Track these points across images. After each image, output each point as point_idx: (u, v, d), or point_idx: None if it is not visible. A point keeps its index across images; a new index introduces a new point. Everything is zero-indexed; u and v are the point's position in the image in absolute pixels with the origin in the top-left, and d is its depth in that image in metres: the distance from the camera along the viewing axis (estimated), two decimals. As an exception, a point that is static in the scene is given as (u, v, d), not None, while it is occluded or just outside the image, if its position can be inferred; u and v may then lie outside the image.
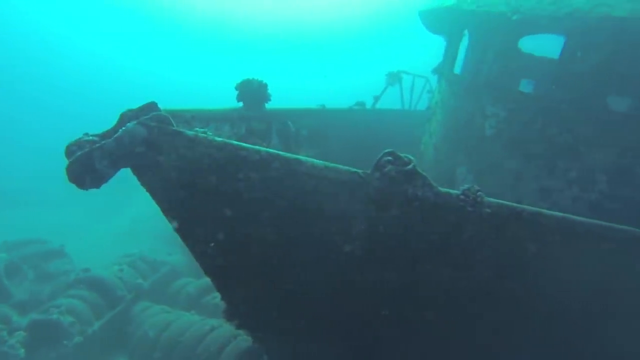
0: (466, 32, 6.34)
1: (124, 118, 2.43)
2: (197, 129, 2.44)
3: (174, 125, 2.50)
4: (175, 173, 2.58)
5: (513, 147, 5.53)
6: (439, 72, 6.96)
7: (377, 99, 8.01)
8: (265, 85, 4.72)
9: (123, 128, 2.27)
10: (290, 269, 3.02)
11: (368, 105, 7.80)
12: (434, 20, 6.65)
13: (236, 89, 4.66)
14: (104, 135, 2.39)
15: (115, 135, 2.24)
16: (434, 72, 7.12)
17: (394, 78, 8.36)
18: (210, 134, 2.48)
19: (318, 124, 6.12)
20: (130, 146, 2.25)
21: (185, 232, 2.95)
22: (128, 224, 13.57)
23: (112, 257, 8.50)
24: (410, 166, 2.36)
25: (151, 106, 2.53)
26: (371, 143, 7.37)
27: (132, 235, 12.50)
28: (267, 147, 2.66)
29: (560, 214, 2.92)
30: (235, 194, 2.66)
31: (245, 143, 2.59)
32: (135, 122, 2.33)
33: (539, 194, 5.44)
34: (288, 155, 2.49)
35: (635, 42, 4.36)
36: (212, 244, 2.96)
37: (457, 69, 6.45)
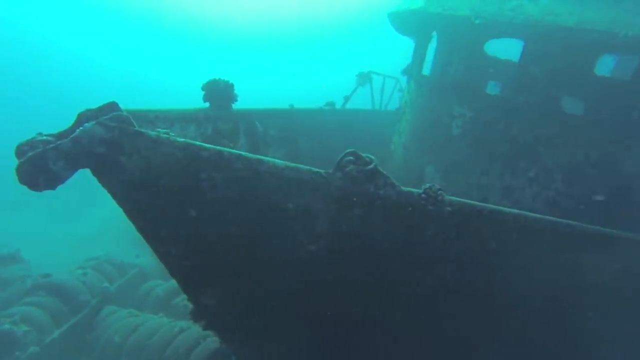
0: (435, 33, 6.48)
1: (82, 118, 2.37)
2: (160, 129, 2.41)
3: (136, 125, 2.46)
4: (138, 174, 2.54)
5: (478, 146, 5.70)
6: (408, 73, 7.09)
7: (347, 99, 8.08)
8: (232, 86, 4.69)
9: (81, 128, 2.22)
10: (255, 268, 3.02)
11: (338, 106, 7.86)
12: (403, 22, 6.76)
13: (202, 89, 4.62)
14: (59, 136, 2.32)
15: (72, 136, 2.19)
16: (404, 73, 7.25)
17: (364, 78, 8.45)
18: (173, 134, 2.46)
19: (287, 124, 6.13)
20: (88, 147, 2.20)
21: (149, 233, 2.91)
22: (95, 226, 13.18)
23: (76, 261, 8.23)
24: (371, 166, 2.40)
25: (111, 106, 2.49)
26: (341, 143, 7.43)
27: (100, 238, 12.15)
28: (233, 148, 2.66)
29: (518, 212, 3.04)
30: (199, 194, 2.65)
31: (211, 143, 2.59)
32: (94, 122, 2.28)
33: (503, 192, 5.63)
34: (250, 155, 2.50)
35: (581, 50, 4.59)
36: (177, 245, 2.93)
37: (427, 70, 6.58)
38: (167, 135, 2.42)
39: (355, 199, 2.54)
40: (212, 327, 3.67)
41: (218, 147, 2.50)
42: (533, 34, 4.89)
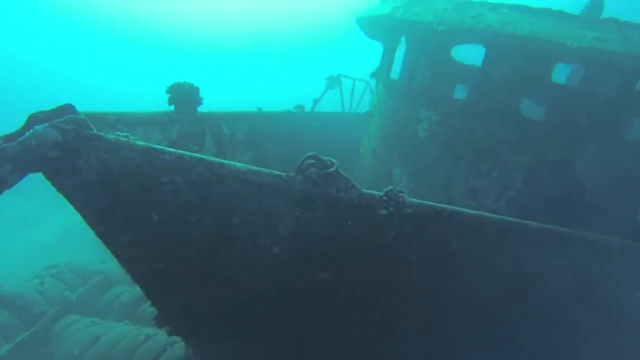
0: (404, 38, 6.61)
1: (33, 120, 2.30)
2: (119, 133, 2.37)
3: (93, 128, 2.41)
4: (96, 178, 2.49)
5: (444, 149, 5.84)
6: (376, 76, 7.20)
7: (316, 102, 8.12)
8: (197, 89, 4.65)
9: (30, 131, 2.15)
10: (219, 272, 3.00)
11: (308, 109, 7.89)
12: (371, 27, 6.87)
13: (167, 92, 4.56)
14: (7, 138, 2.25)
15: (21, 139, 2.12)
16: (372, 76, 7.35)
17: (333, 82, 8.52)
18: (133, 138, 2.43)
19: (255, 127, 6.11)
20: (39, 150, 2.13)
21: (110, 239, 2.85)
22: (58, 233, 12.67)
23: (34, 270, 7.87)
24: (332, 169, 2.44)
25: (66, 108, 2.43)
26: (311, 146, 7.46)
27: (64, 245, 11.69)
28: (199, 151, 2.65)
29: (477, 212, 3.15)
30: (161, 198, 2.62)
31: (176, 147, 2.57)
32: (46, 124, 2.22)
33: (468, 193, 5.79)
34: (211, 159, 2.49)
35: (536, 58, 4.81)
36: (139, 250, 2.89)
37: (396, 74, 6.70)
38: (127, 139, 2.38)
39: (317, 202, 2.57)
40: (177, 333, 3.62)
41: (179, 151, 2.49)
42: (493, 42, 5.08)
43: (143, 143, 2.41)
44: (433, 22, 5.26)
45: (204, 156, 2.49)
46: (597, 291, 4.09)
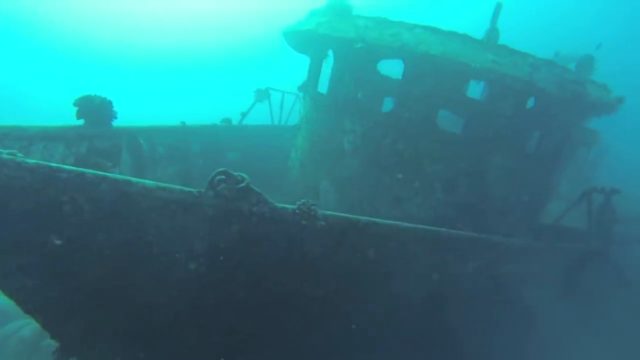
0: (331, 52, 6.76)
1: None
2: (1, 150, 2.17)
3: None
4: None
5: (369, 161, 6.03)
6: (304, 89, 7.29)
7: (244, 115, 8.05)
8: (110, 102, 4.40)
9: None
10: (131, 293, 2.85)
11: (236, 123, 7.79)
12: (297, 41, 6.97)
13: (75, 105, 4.24)
14: None
15: None
16: (300, 89, 7.43)
17: (262, 95, 8.51)
18: (21, 155, 2.23)
19: (178, 141, 5.91)
20: None
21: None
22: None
23: None
24: (242, 184, 2.42)
25: None
26: (239, 159, 7.40)
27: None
28: (113, 167, 2.50)
29: (392, 222, 3.28)
30: (60, 218, 2.43)
31: (86, 163, 2.42)
32: None
33: (393, 203, 6.01)
34: (117, 176, 2.37)
35: (448, 75, 5.18)
36: (35, 275, 2.65)
37: (325, 87, 6.82)
38: (13, 156, 2.19)
39: (230, 217, 2.53)
40: (85, 365, 3.35)
41: (80, 169, 2.34)
42: (410, 59, 5.38)
43: (34, 160, 2.23)
44: (354, 39, 5.46)
45: (109, 174, 2.36)
46: (505, 288, 4.42)
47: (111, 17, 39.31)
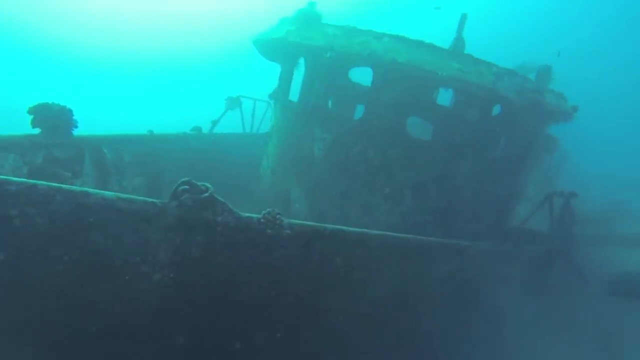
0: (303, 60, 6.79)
1: None
2: None
3: None
4: None
5: (339, 168, 6.06)
6: (274, 97, 7.28)
7: (215, 123, 7.97)
8: (70, 111, 4.24)
9: None
10: (91, 309, 2.74)
11: (206, 131, 7.70)
12: (266, 49, 6.97)
13: (30, 113, 4.05)
14: None
15: None
16: (271, 97, 7.42)
17: (233, 102, 8.45)
18: None
19: (145, 150, 5.78)
20: None
21: None
22: None
23: None
24: (206, 194, 2.39)
25: None
26: (211, 168, 7.30)
27: None
28: (72, 178, 2.42)
29: (358, 230, 3.31)
30: (9, 233, 2.33)
31: (41, 174, 2.32)
32: None
33: (362, 210, 6.05)
34: (73, 188, 2.30)
35: (413, 82, 5.29)
36: None
37: (297, 94, 6.83)
38: None
39: (194, 227, 2.50)
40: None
41: (32, 181, 2.25)
42: (378, 66, 5.47)
43: None
44: (323, 47, 5.51)
45: (64, 185, 2.28)
46: (473, 291, 4.52)
47: (75, 19, 37.85)
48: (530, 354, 5.66)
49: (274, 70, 7.32)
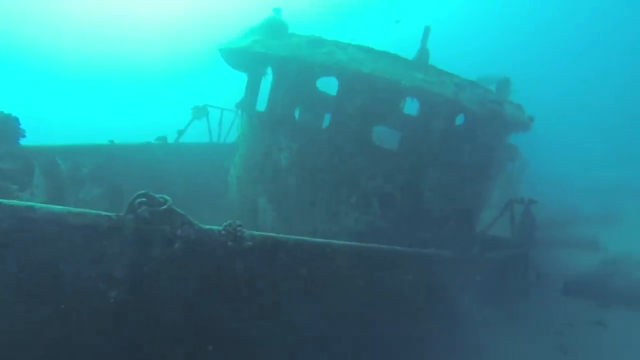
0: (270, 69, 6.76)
1: None
2: None
3: None
4: None
5: (306, 177, 6.05)
6: (241, 106, 7.22)
7: (181, 132, 7.81)
8: (16, 119, 4.03)
9: None
10: (38, 332, 2.60)
11: (172, 141, 7.53)
12: (232, 58, 6.92)
13: None
14: None
15: None
16: (237, 106, 7.36)
17: (200, 112, 8.31)
18: None
19: (105, 160, 5.58)
20: None
21: None
22: None
23: None
24: (165, 206, 2.32)
25: None
26: (177, 178, 7.13)
27: None
28: (19, 190, 2.29)
29: (321, 240, 3.30)
30: None
31: None
32: None
33: (330, 218, 6.05)
34: (16, 202, 2.18)
35: (378, 92, 5.38)
36: None
37: (264, 104, 6.78)
38: None
39: (151, 240, 2.41)
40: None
41: None
42: (343, 76, 5.52)
43: None
44: (288, 57, 5.52)
45: (4, 200, 2.16)
46: (439, 298, 4.59)
47: (33, 18, 35.81)
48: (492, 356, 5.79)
49: (242, 79, 7.26)
